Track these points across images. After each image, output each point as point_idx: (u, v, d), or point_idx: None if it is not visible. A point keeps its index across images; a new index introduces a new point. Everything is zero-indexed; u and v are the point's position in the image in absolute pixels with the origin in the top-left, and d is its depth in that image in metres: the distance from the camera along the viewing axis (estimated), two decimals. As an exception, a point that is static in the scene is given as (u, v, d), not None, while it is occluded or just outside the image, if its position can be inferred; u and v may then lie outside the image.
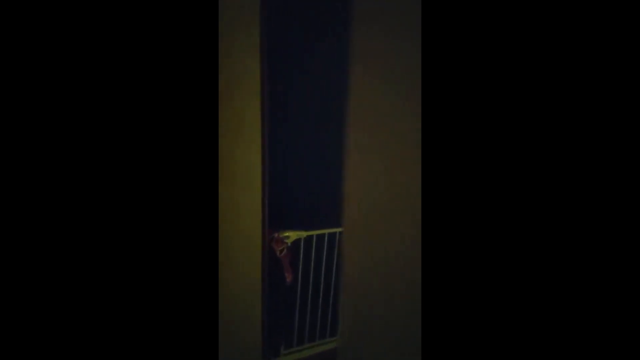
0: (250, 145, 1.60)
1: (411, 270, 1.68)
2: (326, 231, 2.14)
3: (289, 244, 1.97)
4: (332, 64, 2.83)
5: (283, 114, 3.06)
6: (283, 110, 3.08)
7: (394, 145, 1.88)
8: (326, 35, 2.87)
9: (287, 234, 1.97)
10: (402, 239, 1.82)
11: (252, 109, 1.58)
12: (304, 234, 2.04)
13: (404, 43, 1.84)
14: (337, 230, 2.18)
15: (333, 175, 2.86)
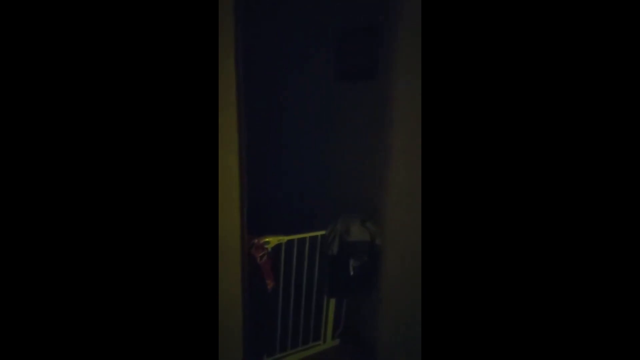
0: (227, 148, 1.54)
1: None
2: (307, 235, 2.10)
3: (270, 250, 1.92)
4: (317, 65, 2.78)
5: (263, 116, 3.00)
6: (263, 113, 3.02)
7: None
8: (312, 37, 2.82)
9: (267, 239, 1.92)
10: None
11: (229, 111, 1.52)
12: (284, 238, 1.99)
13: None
14: (319, 233, 2.14)
15: (313, 178, 2.82)
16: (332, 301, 2.29)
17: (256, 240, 1.88)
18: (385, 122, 2.17)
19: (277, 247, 1.97)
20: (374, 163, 2.25)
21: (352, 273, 2.13)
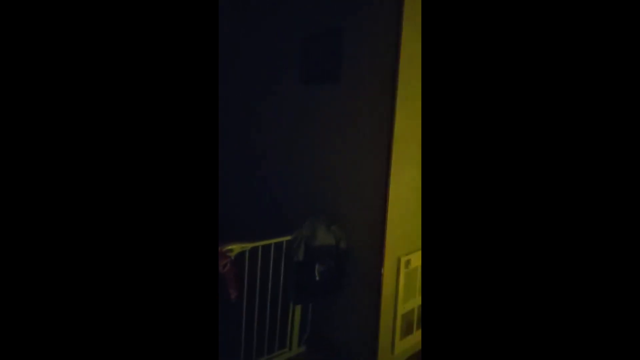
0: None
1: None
2: (272, 241, 2.05)
3: (232, 258, 1.85)
4: (286, 68, 2.73)
5: (227, 119, 2.92)
6: (227, 115, 2.93)
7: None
8: (282, 40, 2.76)
9: (230, 247, 1.85)
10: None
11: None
12: (248, 246, 1.93)
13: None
14: (284, 239, 2.09)
15: (277, 183, 2.76)
16: (298, 307, 2.25)
17: (218, 249, 1.81)
18: (351, 125, 2.15)
19: (241, 254, 1.91)
20: (339, 166, 2.23)
21: (317, 278, 2.10)
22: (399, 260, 2.10)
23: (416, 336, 2.32)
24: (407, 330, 2.25)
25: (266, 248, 2.03)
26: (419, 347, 2.36)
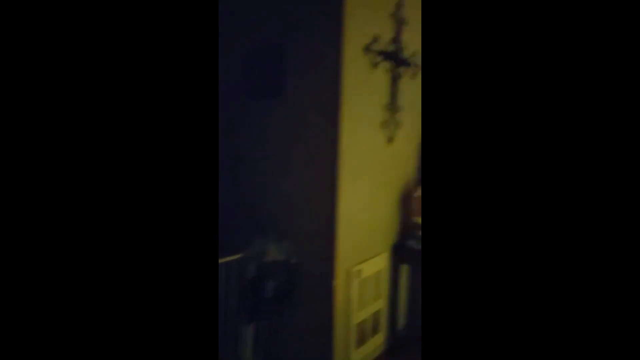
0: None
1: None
2: (222, 260, 1.98)
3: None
4: (228, 81, 2.65)
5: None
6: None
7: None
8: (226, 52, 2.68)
9: (178, 270, 1.76)
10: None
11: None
12: (197, 267, 1.85)
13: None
14: (234, 257, 2.04)
15: (225, 199, 2.68)
16: (251, 326, 2.19)
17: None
18: (296, 139, 2.15)
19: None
20: (287, 181, 2.21)
21: (270, 294, 2.06)
22: (351, 271, 2.13)
23: (371, 344, 2.35)
24: (362, 340, 2.27)
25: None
26: (375, 354, 2.39)
